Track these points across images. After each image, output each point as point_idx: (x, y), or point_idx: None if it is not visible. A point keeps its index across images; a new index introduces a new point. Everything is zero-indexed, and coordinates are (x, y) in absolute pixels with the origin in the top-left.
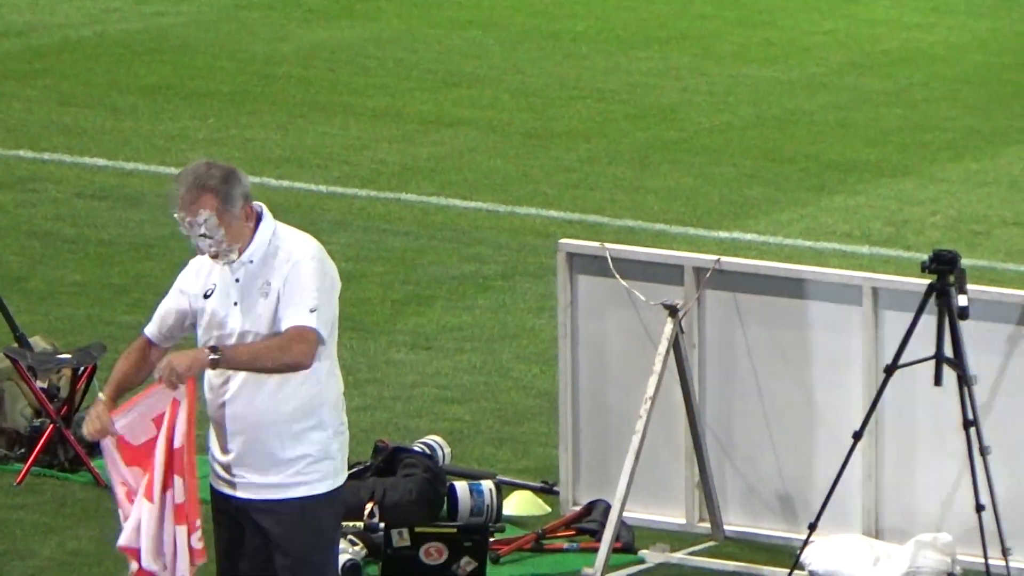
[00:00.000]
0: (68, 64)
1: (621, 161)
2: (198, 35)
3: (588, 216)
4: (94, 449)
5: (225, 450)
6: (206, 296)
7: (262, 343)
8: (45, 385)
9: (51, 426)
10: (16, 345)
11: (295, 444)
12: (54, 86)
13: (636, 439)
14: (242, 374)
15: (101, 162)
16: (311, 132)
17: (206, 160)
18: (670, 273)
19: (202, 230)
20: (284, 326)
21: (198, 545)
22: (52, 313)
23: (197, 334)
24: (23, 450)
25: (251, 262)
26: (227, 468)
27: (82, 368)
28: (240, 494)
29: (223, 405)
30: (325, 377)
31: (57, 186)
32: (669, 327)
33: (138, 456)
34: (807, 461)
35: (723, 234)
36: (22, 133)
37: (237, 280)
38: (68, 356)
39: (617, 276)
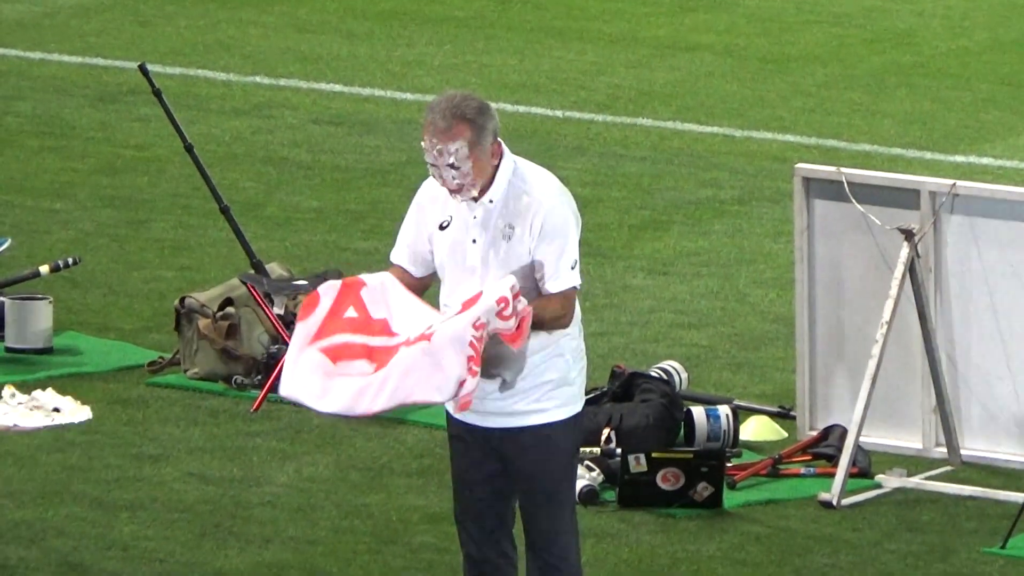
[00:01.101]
0: None
1: (857, 86)
2: None
3: (824, 140)
4: None
5: None
6: (442, 228)
7: (545, 306)
8: (282, 311)
9: None
10: (253, 272)
11: (536, 372)
12: (290, 12)
13: (872, 363)
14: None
15: (337, 88)
16: (547, 57)
17: (460, 91)
18: (906, 197)
19: (452, 159)
20: (549, 286)
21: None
22: (288, 239)
23: (434, 264)
24: (260, 377)
25: (491, 202)
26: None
27: None
28: (480, 423)
29: None
30: None
31: (293, 112)
32: (905, 251)
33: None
34: None
35: (959, 158)
36: (259, 59)
37: (475, 218)
38: (305, 282)
39: (853, 200)
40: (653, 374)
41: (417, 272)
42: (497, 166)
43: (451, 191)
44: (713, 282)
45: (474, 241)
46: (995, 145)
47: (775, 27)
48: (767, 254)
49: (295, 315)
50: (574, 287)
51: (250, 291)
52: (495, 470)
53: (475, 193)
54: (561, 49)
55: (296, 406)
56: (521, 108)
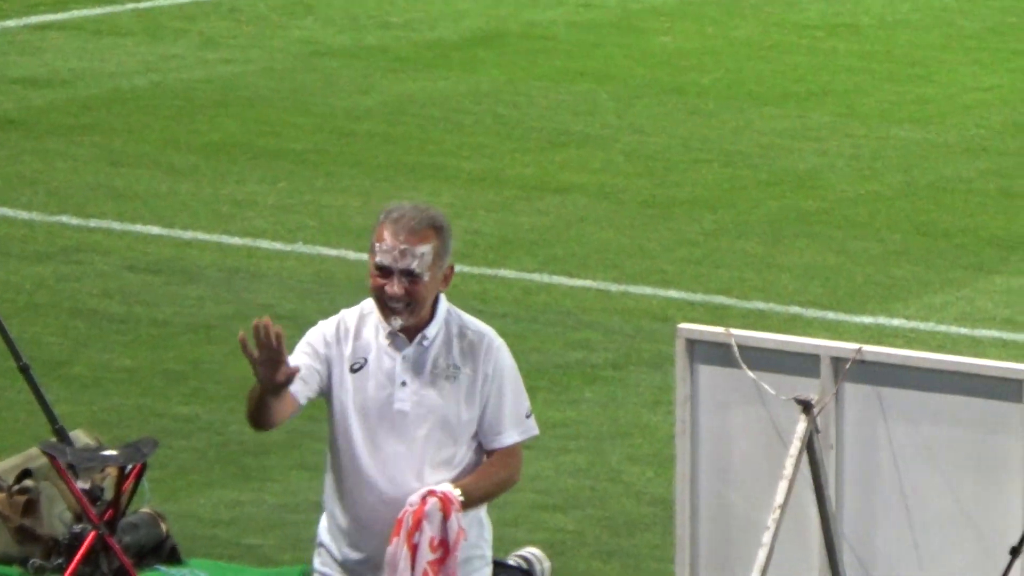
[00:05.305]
0: (120, 118)
1: (751, 234)
2: (269, 86)
3: (712, 297)
4: (141, 560)
5: (362, 548)
6: (353, 370)
7: (491, 474)
8: (87, 486)
9: (93, 533)
10: (55, 440)
11: (467, 547)
12: (103, 143)
13: (763, 553)
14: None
15: (155, 230)
16: (397, 198)
17: (421, 202)
18: (805, 363)
19: (415, 264)
20: (506, 437)
21: None
22: (97, 403)
23: (334, 408)
24: (61, 560)
25: (425, 340)
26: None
27: (130, 466)
28: None
29: (390, 508)
30: None
31: (105, 257)
32: (802, 425)
33: None
34: None
35: (866, 319)
36: (66, 196)
37: (404, 358)
38: (114, 453)
39: (744, 366)
40: (511, 563)
41: (300, 398)
42: (435, 301)
43: (390, 310)
44: (582, 458)
45: (404, 384)
46: (907, 304)
47: (658, 166)
48: (644, 426)
49: (102, 489)
50: (532, 436)
51: (51, 462)
52: None
53: (411, 320)
54: (412, 189)
55: None
56: (365, 256)
